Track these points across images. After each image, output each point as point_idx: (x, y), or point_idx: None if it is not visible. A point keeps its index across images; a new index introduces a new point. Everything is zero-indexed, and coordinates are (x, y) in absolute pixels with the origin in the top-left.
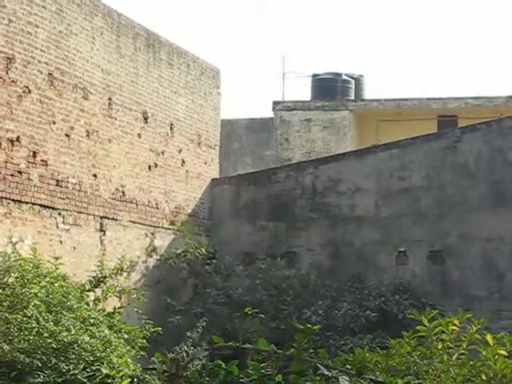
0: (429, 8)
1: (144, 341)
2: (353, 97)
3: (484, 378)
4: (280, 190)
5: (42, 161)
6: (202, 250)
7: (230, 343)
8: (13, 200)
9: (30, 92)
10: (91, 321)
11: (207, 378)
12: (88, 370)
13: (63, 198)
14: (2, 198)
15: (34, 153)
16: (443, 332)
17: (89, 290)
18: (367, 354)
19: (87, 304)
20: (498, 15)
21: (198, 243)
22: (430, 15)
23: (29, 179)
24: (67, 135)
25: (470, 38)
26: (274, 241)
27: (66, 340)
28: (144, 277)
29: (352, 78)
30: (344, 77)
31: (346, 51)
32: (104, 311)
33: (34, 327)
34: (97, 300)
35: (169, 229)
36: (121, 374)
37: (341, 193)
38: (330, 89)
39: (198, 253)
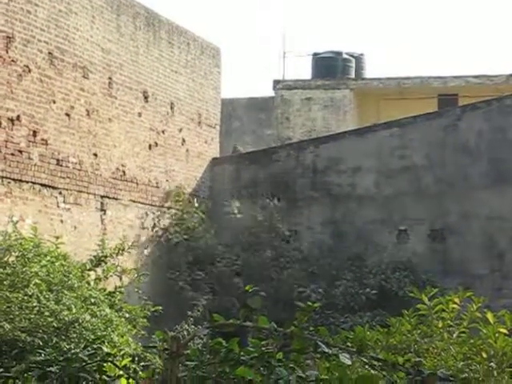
0: None
1: (145, 320)
2: (353, 75)
3: (484, 355)
4: (281, 169)
5: (43, 140)
6: (202, 224)
7: (231, 321)
8: (13, 179)
9: (30, 71)
10: (92, 300)
11: (208, 356)
12: (89, 348)
13: (64, 178)
14: (3, 177)
15: (35, 132)
16: (443, 310)
17: (90, 270)
18: (367, 332)
19: (88, 283)
20: None
21: (198, 219)
22: None
23: (29, 158)
24: (67, 114)
25: (471, 17)
26: (275, 220)
27: (67, 319)
28: (145, 256)
29: (353, 56)
30: (345, 55)
31: (347, 30)
32: (105, 290)
33: (35, 306)
34: (98, 279)
35: (170, 207)
36: (122, 352)
37: (341, 171)
38: (331, 67)
39: (196, 226)
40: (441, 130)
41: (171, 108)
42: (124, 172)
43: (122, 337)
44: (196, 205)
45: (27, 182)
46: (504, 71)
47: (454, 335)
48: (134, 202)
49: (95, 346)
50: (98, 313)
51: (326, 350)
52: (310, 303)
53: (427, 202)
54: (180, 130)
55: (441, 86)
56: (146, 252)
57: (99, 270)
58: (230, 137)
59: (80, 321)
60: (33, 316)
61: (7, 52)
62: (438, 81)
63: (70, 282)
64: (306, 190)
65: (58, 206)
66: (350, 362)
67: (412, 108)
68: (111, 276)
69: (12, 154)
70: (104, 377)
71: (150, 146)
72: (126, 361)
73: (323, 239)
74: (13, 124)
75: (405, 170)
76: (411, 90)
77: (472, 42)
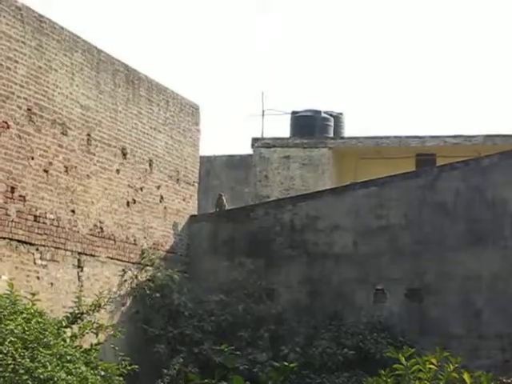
0: (407, 47)
1: (121, 378)
2: (332, 134)
3: None
4: (258, 227)
5: (20, 196)
6: (176, 282)
7: (206, 381)
8: None
9: (8, 127)
10: (68, 357)
11: None
12: None
13: (41, 234)
14: None
15: (12, 188)
16: (420, 370)
17: (66, 327)
18: None
19: (64, 340)
20: (476, 55)
21: (173, 277)
22: (409, 55)
23: (6, 214)
24: (45, 171)
25: (449, 78)
26: (252, 278)
27: (42, 377)
28: (121, 313)
29: (331, 115)
30: (323, 114)
31: (326, 89)
32: (81, 348)
33: (10, 364)
34: (74, 336)
35: (146, 265)
36: None
37: (319, 230)
38: (309, 126)
39: (172, 283)
40: (418, 190)
41: (150, 165)
42: (102, 229)
43: None
44: (172, 263)
45: (4, 238)
46: (481, 131)
47: None
48: (111, 258)
49: None
50: (73, 370)
51: None
52: (286, 363)
53: (404, 262)
54: (158, 187)
55: (419, 145)
56: (122, 308)
57: (75, 327)
58: (208, 194)
59: (55, 379)
60: (8, 374)
61: None
62: (416, 140)
63: (45, 340)
64: (284, 249)
65: (35, 263)
66: None
67: (390, 167)
68: (87, 333)
69: None
70: None
71: (127, 203)
72: None
73: (300, 298)
74: None
75: (382, 229)
76: (389, 149)
77: (450, 102)
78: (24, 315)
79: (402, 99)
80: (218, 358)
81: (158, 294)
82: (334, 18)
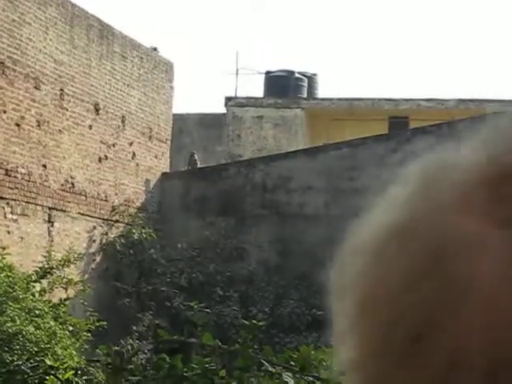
0: (384, 7)
1: (89, 334)
2: (305, 95)
3: None
4: (230, 187)
5: None
6: (149, 239)
7: (175, 337)
8: None
9: None
10: (36, 312)
11: (151, 372)
12: (32, 361)
13: (12, 188)
14: None
15: None
16: None
17: (35, 281)
18: (312, 352)
19: (33, 295)
20: (454, 17)
21: (150, 234)
22: (386, 16)
23: None
24: (17, 125)
25: (424, 39)
26: (224, 236)
27: (10, 331)
28: (91, 269)
29: (305, 76)
30: (297, 75)
31: (300, 50)
32: (50, 302)
33: None
34: (43, 291)
35: (117, 221)
36: (65, 365)
37: (291, 190)
38: (283, 86)
39: (143, 239)
40: (390, 152)
41: (122, 121)
42: (73, 184)
43: (66, 350)
44: (144, 219)
45: None
46: (455, 95)
47: None
48: (82, 214)
49: (38, 359)
50: (42, 325)
51: (270, 368)
52: (255, 322)
53: None
54: (130, 144)
55: (392, 108)
56: (92, 265)
57: (45, 282)
58: (180, 152)
59: (24, 333)
60: None
61: None
62: (390, 103)
63: (14, 294)
64: (255, 208)
65: (5, 217)
66: (292, 382)
67: (362, 129)
68: (57, 288)
69: None
70: None
71: (99, 159)
72: (68, 374)
73: (271, 258)
74: None
75: (354, 190)
76: (362, 111)
77: (424, 65)
78: None
79: (377, 61)
80: (188, 314)
81: (130, 251)
82: None
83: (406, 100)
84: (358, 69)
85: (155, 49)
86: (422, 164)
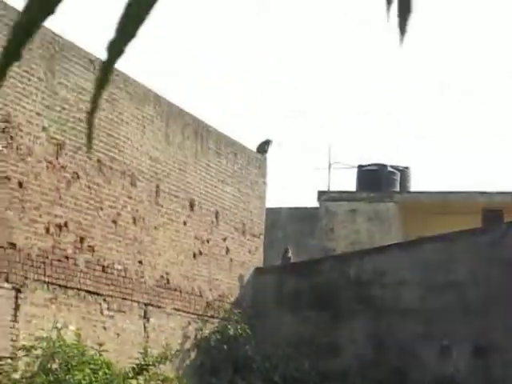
0: (476, 102)
1: None
2: (398, 188)
3: None
4: (324, 281)
5: (89, 246)
6: (244, 335)
7: None
8: (59, 285)
9: (78, 178)
10: None
11: None
12: None
13: (108, 285)
14: (49, 283)
15: (81, 238)
16: None
17: (132, 378)
18: None
19: None
20: None
21: (240, 329)
22: (476, 110)
23: (75, 265)
24: (114, 221)
25: None
26: (318, 332)
27: None
28: (186, 365)
29: (397, 169)
30: (389, 168)
31: (392, 143)
32: None
33: None
34: None
35: (212, 317)
36: None
37: (386, 285)
38: (376, 180)
39: (239, 336)
40: (486, 246)
41: (216, 217)
42: (168, 280)
43: None
44: (238, 315)
45: (72, 288)
46: None
47: None
48: (177, 310)
49: None
50: None
51: None
52: None
53: (471, 318)
54: (224, 239)
55: (486, 201)
56: (187, 361)
57: (141, 379)
58: (272, 246)
59: None
60: None
61: (57, 159)
62: (483, 196)
63: None
64: (350, 303)
65: (102, 313)
66: None
67: (456, 222)
68: None
69: (59, 261)
70: None
71: (194, 255)
72: None
73: (366, 353)
74: (60, 230)
75: (449, 284)
76: (456, 204)
77: None
78: (91, 366)
79: (469, 155)
80: None
81: (225, 347)
82: (403, 78)
83: (500, 193)
84: (451, 162)
85: (268, 141)
86: None
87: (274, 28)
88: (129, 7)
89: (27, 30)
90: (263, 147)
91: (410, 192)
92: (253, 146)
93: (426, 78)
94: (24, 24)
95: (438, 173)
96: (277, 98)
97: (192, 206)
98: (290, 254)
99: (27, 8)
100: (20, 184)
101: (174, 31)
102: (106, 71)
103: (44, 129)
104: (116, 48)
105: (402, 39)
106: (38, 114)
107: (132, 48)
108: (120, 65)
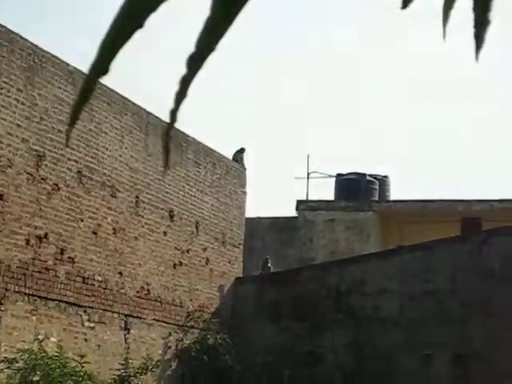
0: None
1: None
2: (377, 197)
3: None
4: (304, 291)
5: (69, 258)
6: (224, 345)
7: None
8: (39, 297)
9: (58, 189)
10: None
11: None
12: None
13: (89, 296)
14: (29, 294)
15: (62, 250)
16: None
17: None
18: None
19: None
20: None
21: (224, 340)
22: (455, 117)
23: (56, 276)
24: (94, 232)
25: (496, 140)
26: (298, 341)
27: None
28: (167, 375)
29: (376, 178)
30: (368, 177)
31: (371, 152)
32: None
33: None
34: None
35: (192, 327)
36: None
37: (365, 294)
38: (354, 189)
39: (219, 346)
40: (465, 255)
41: (196, 227)
42: (148, 291)
43: None
44: (218, 325)
45: (53, 299)
46: None
47: None
48: (157, 321)
49: None
50: None
51: None
52: None
53: (451, 327)
54: (204, 250)
55: (464, 209)
56: (168, 371)
57: None
58: (251, 256)
59: None
60: None
61: (37, 170)
62: (462, 204)
63: None
64: (330, 312)
65: (83, 325)
66: None
67: (435, 231)
68: None
69: (39, 272)
70: None
71: (174, 265)
72: None
73: (347, 362)
74: (40, 242)
75: (429, 293)
76: (435, 213)
77: (496, 165)
78: (74, 377)
79: (448, 162)
80: None
81: (205, 357)
82: (375, 85)
83: (479, 201)
84: (429, 170)
85: (242, 149)
86: None
87: (254, 34)
88: (209, 21)
89: (115, 45)
90: (238, 155)
91: (388, 201)
92: (231, 155)
93: (403, 85)
94: (113, 38)
95: (416, 181)
96: (255, 107)
97: (172, 216)
98: (269, 264)
99: (115, 22)
100: (0, 196)
101: (153, 40)
102: (186, 85)
103: (24, 140)
104: (196, 62)
105: (478, 52)
106: (17, 125)
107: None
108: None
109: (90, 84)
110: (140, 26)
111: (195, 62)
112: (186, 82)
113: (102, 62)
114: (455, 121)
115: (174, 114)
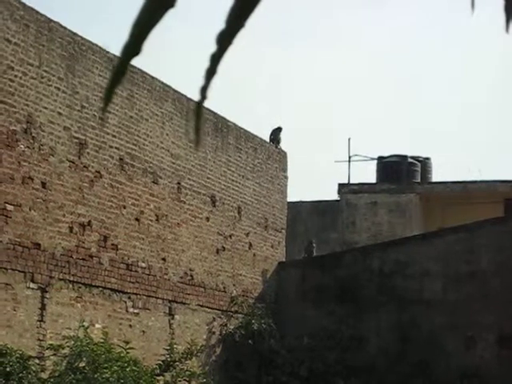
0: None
1: None
2: (419, 179)
3: None
4: (347, 274)
5: (113, 245)
6: (268, 329)
7: None
8: (84, 284)
9: (101, 177)
10: None
11: None
12: None
13: (133, 282)
14: (74, 281)
15: (105, 237)
16: None
17: (158, 375)
18: None
19: None
20: None
21: (264, 323)
22: (493, 98)
23: (99, 263)
24: (137, 219)
25: None
26: (342, 325)
27: None
28: (212, 360)
29: (418, 160)
30: (410, 159)
31: (413, 134)
32: None
33: None
34: None
35: (236, 312)
36: None
37: (408, 276)
38: (396, 172)
39: (264, 331)
40: (508, 235)
41: (238, 212)
42: (192, 276)
43: None
44: (262, 309)
45: (97, 286)
46: None
47: None
48: (201, 306)
49: None
50: None
51: None
52: None
53: (495, 308)
54: (247, 235)
55: (507, 189)
56: (213, 356)
57: (168, 375)
58: (294, 240)
59: None
60: None
61: (79, 158)
62: (504, 185)
63: None
64: (373, 295)
65: (127, 311)
66: None
67: (477, 212)
68: (180, 381)
69: (83, 259)
70: None
71: (217, 251)
72: None
73: (390, 345)
74: (84, 229)
75: (472, 275)
76: (477, 194)
77: None
78: (119, 363)
79: (490, 142)
80: None
81: (250, 342)
82: (414, 67)
83: None
84: (471, 151)
85: (279, 128)
86: None
87: (290, 20)
88: None
89: (147, 25)
90: (275, 133)
91: (430, 183)
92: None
93: (441, 73)
94: (144, 19)
95: (458, 163)
96: (296, 91)
97: (214, 201)
98: (313, 247)
99: (147, 4)
100: (43, 184)
101: (191, 26)
102: (216, 62)
103: (66, 128)
104: (226, 38)
105: (508, 25)
106: (59, 113)
107: (148, 45)
108: (138, 63)
109: (122, 65)
110: (171, 5)
111: (225, 39)
112: (215, 59)
113: (134, 43)
114: (491, 99)
115: (204, 90)
